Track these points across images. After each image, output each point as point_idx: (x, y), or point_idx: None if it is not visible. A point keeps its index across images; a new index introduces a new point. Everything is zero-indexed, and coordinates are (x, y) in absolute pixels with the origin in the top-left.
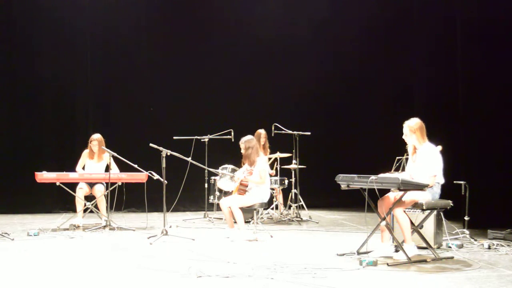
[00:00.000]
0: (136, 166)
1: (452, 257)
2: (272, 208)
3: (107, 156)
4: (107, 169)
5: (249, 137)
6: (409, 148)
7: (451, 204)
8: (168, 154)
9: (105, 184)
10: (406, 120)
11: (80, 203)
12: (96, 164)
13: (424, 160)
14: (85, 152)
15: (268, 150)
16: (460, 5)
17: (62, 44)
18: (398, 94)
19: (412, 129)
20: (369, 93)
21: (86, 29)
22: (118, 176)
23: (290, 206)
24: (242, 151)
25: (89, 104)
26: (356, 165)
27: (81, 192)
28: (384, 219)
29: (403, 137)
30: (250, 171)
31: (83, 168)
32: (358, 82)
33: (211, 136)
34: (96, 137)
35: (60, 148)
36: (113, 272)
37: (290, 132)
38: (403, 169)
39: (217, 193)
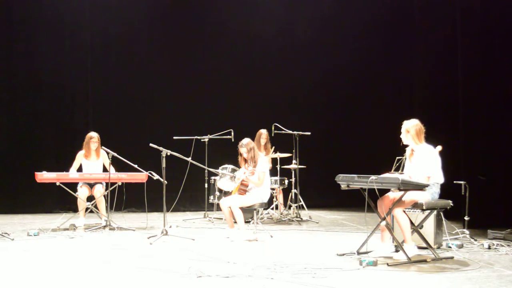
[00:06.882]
0: (136, 166)
1: (452, 257)
2: (272, 208)
3: (104, 154)
4: (105, 168)
5: (246, 139)
6: (408, 149)
7: (451, 204)
8: (168, 154)
9: (104, 184)
10: (406, 120)
11: (81, 204)
12: (93, 163)
13: (420, 161)
14: (80, 154)
15: (270, 150)
16: (461, 4)
17: (62, 44)
18: (398, 94)
19: (407, 129)
20: (369, 93)
21: (86, 29)
22: (118, 176)
23: (290, 206)
24: (245, 155)
25: (89, 104)
26: (356, 165)
27: (83, 193)
28: (384, 219)
29: (401, 136)
30: (252, 171)
31: (79, 169)
32: (358, 82)
33: (211, 136)
34: (96, 135)
35: (60, 148)
36: (113, 272)
37: (290, 132)
38: (403, 169)
39: (217, 193)
